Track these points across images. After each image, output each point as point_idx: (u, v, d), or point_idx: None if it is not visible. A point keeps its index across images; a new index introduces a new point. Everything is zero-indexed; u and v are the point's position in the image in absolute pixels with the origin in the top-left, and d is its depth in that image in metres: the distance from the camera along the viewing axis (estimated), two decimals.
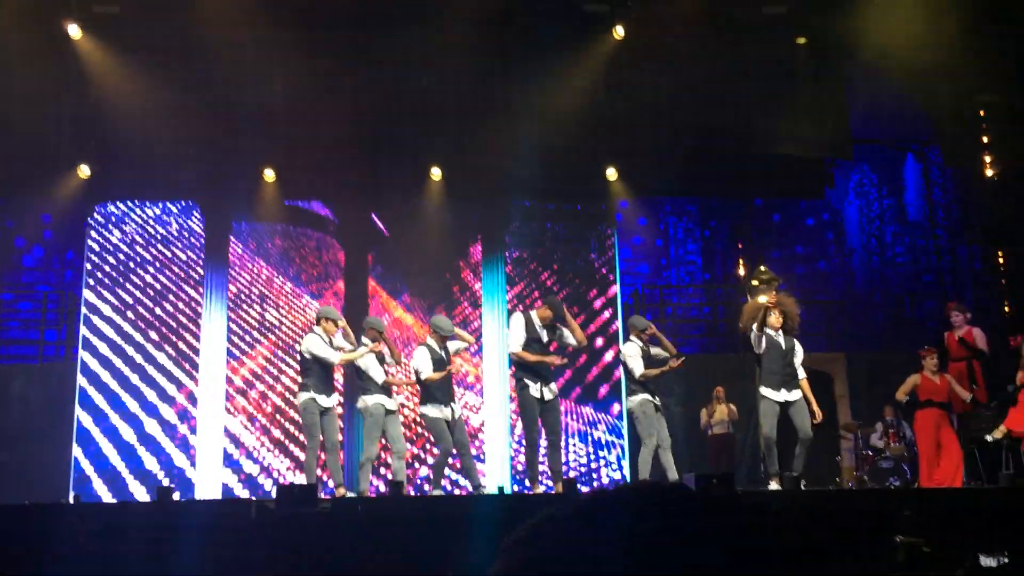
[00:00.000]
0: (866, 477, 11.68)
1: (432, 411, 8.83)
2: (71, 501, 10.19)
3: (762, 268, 12.46)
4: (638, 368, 9.04)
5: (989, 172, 12.90)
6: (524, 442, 9.27)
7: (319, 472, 9.19)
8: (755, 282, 12.46)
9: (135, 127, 11.67)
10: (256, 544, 6.75)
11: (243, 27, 11.35)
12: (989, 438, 9.23)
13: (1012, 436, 9.04)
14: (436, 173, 12.96)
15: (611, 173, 13.14)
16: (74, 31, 11.55)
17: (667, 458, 8.89)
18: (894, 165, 14.91)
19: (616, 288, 13.59)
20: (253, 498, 11.12)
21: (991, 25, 12.03)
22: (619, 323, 13.81)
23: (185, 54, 11.70)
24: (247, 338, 13.12)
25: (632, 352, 9.17)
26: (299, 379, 9.19)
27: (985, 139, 12.92)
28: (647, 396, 9.01)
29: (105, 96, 11.63)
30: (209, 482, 12.39)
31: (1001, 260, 12.69)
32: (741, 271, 13.90)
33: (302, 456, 11.73)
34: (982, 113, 12.87)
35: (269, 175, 12.79)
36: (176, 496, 10.63)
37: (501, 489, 10.09)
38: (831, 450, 12.63)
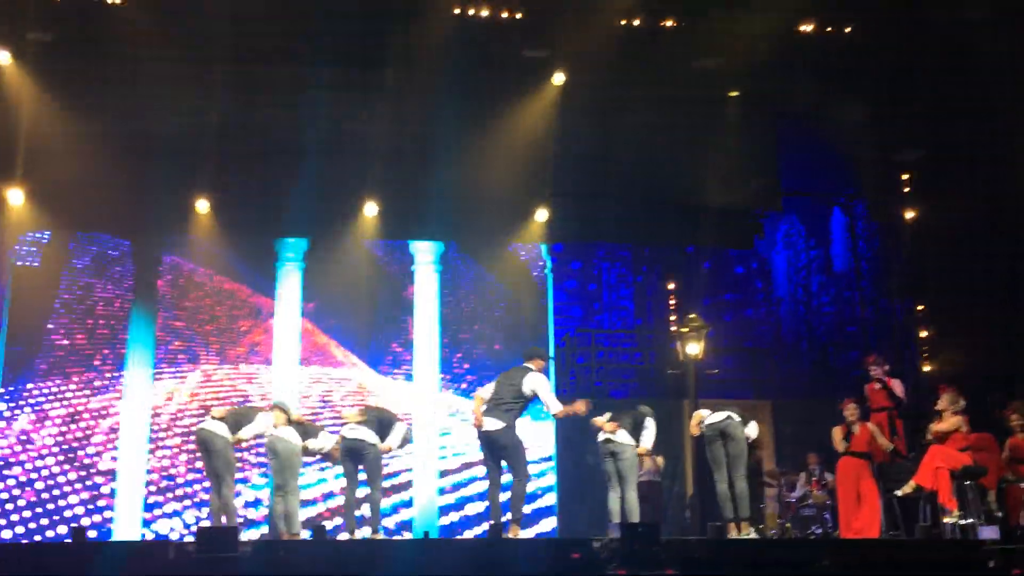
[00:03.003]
0: (789, 524, 11.84)
1: None
2: None
3: (692, 316, 12.65)
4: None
5: (911, 227, 13.28)
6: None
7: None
8: (685, 329, 12.65)
9: (64, 157, 11.48)
10: None
11: (174, 61, 11.33)
12: (899, 493, 9.40)
13: (922, 491, 9.19)
14: (371, 209, 12.90)
15: (542, 215, 13.24)
16: (4, 58, 11.38)
17: None
18: (821, 217, 15.27)
19: (550, 331, 13.71)
20: (172, 540, 10.90)
21: (912, 84, 12.46)
22: (551, 366, 13.90)
23: (116, 86, 11.59)
24: (174, 375, 12.93)
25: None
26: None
27: (907, 194, 13.31)
28: None
29: (34, 125, 11.45)
30: (129, 523, 12.14)
31: (920, 314, 13.04)
32: (672, 317, 14.07)
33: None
34: (905, 170, 13.27)
35: (202, 207, 12.62)
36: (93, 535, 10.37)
37: (427, 533, 10.01)
38: (755, 497, 12.76)
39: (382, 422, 8.95)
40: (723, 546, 8.07)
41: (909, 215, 13.38)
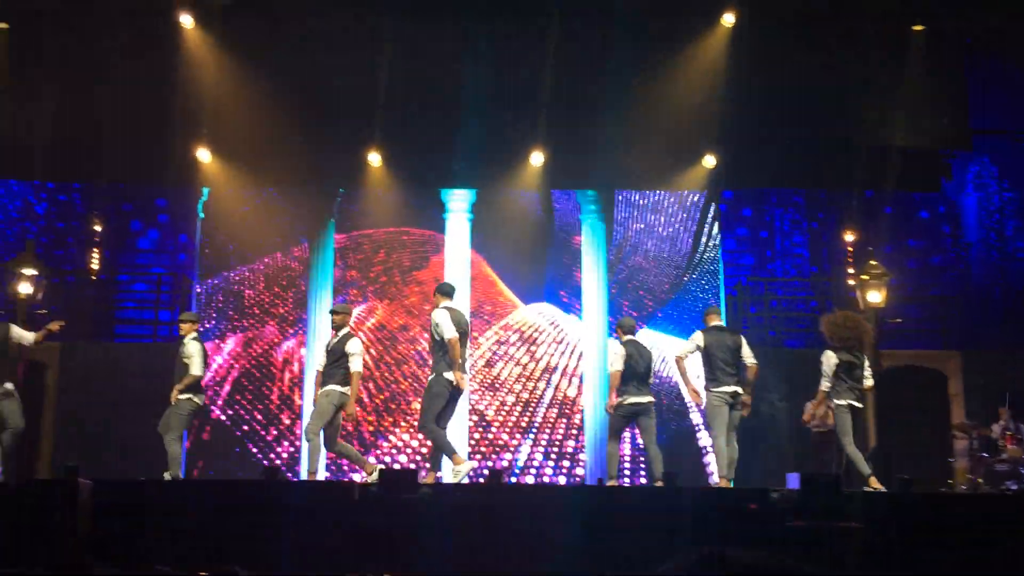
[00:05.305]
0: (981, 480, 11.32)
1: None
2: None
3: (872, 263, 12.14)
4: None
5: None
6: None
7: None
8: (865, 276, 12.15)
9: (245, 116, 11.95)
10: (358, 526, 6.91)
11: (343, 19, 11.60)
12: None
13: None
14: (537, 159, 12.84)
15: (709, 161, 12.86)
16: (187, 21, 11.90)
17: None
18: (1017, 157, 14.34)
19: (720, 279, 13.43)
20: (357, 481, 11.32)
21: None
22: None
23: (290, 45, 12.00)
24: (355, 318, 13.37)
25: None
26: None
27: None
28: None
29: (216, 86, 11.94)
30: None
31: None
32: (850, 265, 13.52)
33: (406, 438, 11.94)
34: None
35: (374, 160, 12.86)
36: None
37: (600, 480, 10.04)
38: (943, 451, 12.22)
39: None
40: (908, 500, 7.74)
41: None
